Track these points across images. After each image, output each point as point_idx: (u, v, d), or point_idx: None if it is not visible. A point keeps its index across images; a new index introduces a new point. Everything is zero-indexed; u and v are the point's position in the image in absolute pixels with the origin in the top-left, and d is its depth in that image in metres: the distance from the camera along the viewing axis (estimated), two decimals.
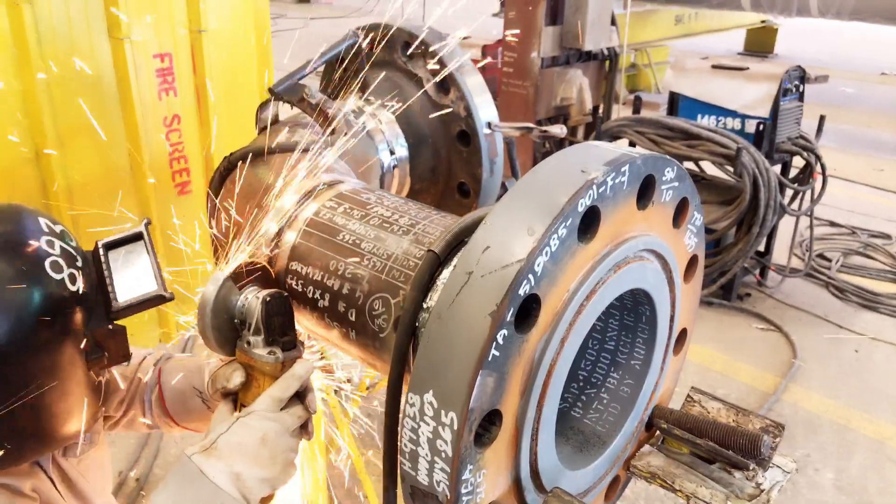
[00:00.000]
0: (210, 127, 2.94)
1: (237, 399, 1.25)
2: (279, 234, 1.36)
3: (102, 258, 1.22)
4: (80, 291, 1.16)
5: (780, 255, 5.43)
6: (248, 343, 1.20)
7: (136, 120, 2.71)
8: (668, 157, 1.06)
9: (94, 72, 2.58)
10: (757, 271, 5.36)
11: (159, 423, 1.62)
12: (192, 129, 2.94)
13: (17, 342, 1.07)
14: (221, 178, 1.58)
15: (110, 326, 1.19)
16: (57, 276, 1.12)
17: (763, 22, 12.06)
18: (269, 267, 1.30)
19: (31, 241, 1.13)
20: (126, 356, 1.25)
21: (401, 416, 0.92)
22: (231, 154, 1.56)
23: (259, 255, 1.32)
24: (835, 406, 4.02)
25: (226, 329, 1.20)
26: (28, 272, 1.09)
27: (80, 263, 1.18)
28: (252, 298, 1.19)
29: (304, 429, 1.24)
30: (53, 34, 2.44)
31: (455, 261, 1.10)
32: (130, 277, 1.22)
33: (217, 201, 1.57)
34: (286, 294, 1.21)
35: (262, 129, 1.76)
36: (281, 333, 1.20)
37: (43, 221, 1.18)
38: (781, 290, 5.29)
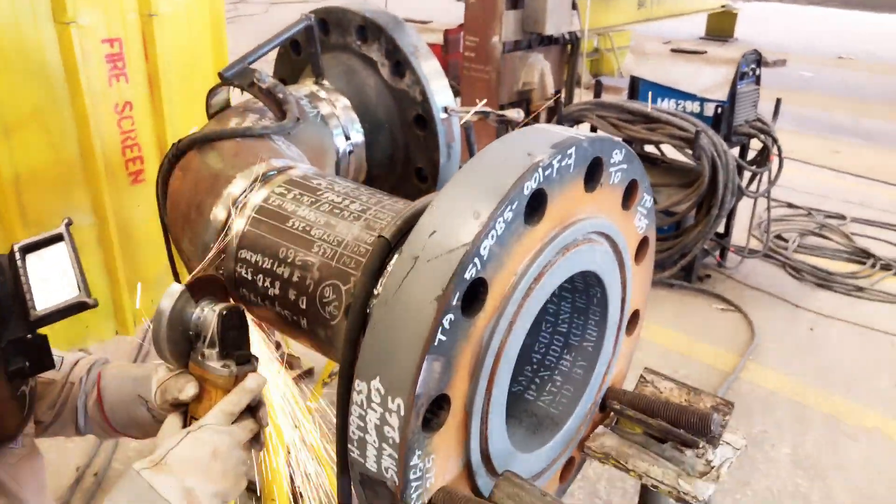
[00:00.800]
0: (164, 114, 2.87)
1: (187, 412, 1.24)
2: (228, 221, 1.33)
3: (19, 262, 1.15)
4: None
5: (738, 236, 5.52)
6: (203, 356, 1.19)
7: (85, 107, 2.62)
8: (615, 139, 1.06)
9: (40, 58, 2.49)
10: (717, 253, 5.45)
11: (95, 428, 1.56)
12: (144, 116, 2.86)
13: None
14: (171, 164, 1.54)
15: (29, 336, 1.13)
16: None
17: (723, 7, 12.22)
18: (220, 277, 1.29)
19: None
20: (48, 365, 1.19)
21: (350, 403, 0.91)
22: (180, 140, 1.53)
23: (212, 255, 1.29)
24: (791, 383, 4.12)
25: (181, 341, 1.19)
26: None
27: None
28: (208, 311, 1.18)
29: (256, 440, 1.23)
30: None
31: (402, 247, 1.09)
32: (50, 283, 1.15)
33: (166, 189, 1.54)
34: (242, 308, 1.20)
35: (213, 115, 1.72)
36: (235, 347, 1.20)
37: None
38: (740, 271, 5.38)
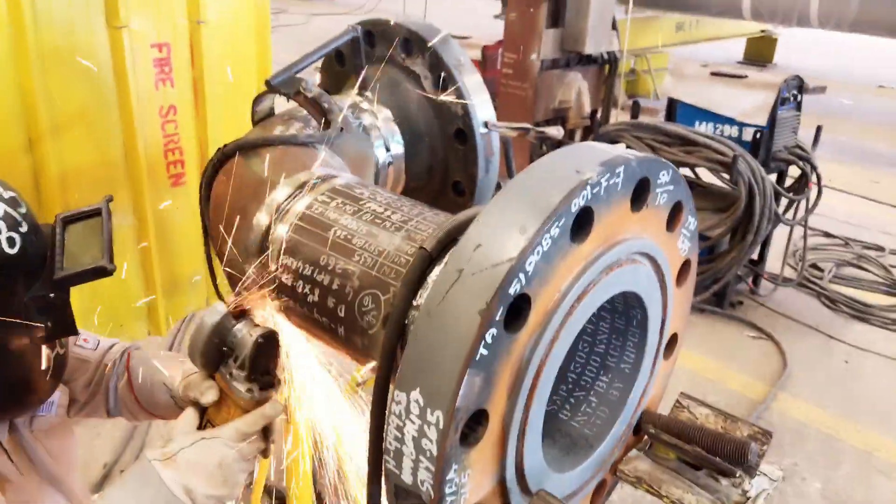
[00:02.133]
0: (206, 119, 2.92)
1: (205, 411, 1.29)
2: (270, 227, 1.35)
3: (57, 230, 1.26)
4: (21, 256, 1.18)
5: (773, 263, 5.44)
6: (231, 374, 1.25)
7: (131, 110, 2.68)
8: (663, 159, 1.05)
9: (91, 60, 2.56)
10: (750, 279, 5.37)
11: (123, 410, 1.65)
12: (187, 120, 2.92)
13: None
14: (215, 169, 1.56)
15: (51, 295, 1.21)
16: None
17: (763, 32, 12.12)
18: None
19: None
20: (71, 329, 1.28)
21: (387, 413, 0.91)
22: (225, 145, 1.55)
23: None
24: (823, 415, 4.03)
25: (213, 354, 1.25)
26: None
27: (23, 229, 1.21)
28: (246, 334, 1.23)
29: (263, 453, 1.30)
30: (50, 21, 2.42)
31: (446, 258, 1.09)
32: (81, 250, 1.24)
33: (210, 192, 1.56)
34: (277, 334, 1.25)
35: (258, 122, 1.75)
36: (263, 372, 1.25)
37: None
38: (773, 299, 5.30)
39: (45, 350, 1.28)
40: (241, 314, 1.25)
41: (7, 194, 1.22)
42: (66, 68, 2.51)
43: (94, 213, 1.30)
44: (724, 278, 4.83)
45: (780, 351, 4.65)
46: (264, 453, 1.29)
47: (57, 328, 1.26)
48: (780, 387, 4.25)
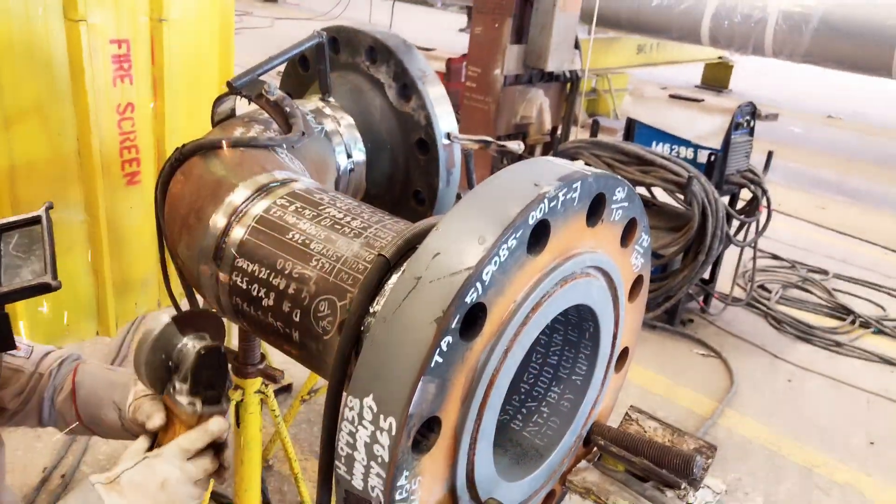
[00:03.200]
0: (165, 118, 2.87)
1: (156, 438, 1.27)
2: (227, 229, 1.33)
3: None
4: None
5: (723, 283, 5.57)
6: (174, 388, 1.22)
7: (87, 105, 2.62)
8: (619, 177, 1.08)
9: (47, 53, 2.50)
10: (701, 298, 5.49)
11: (59, 422, 1.57)
12: (145, 118, 2.86)
13: None
14: (172, 168, 1.54)
15: None
16: None
17: (720, 58, 12.48)
18: (217, 315, 1.32)
19: None
20: (9, 344, 1.20)
21: (339, 419, 0.91)
22: (184, 145, 1.53)
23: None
24: (767, 432, 4.13)
25: (159, 368, 1.22)
26: None
27: None
28: (190, 346, 1.22)
29: (218, 475, 1.27)
30: (6, 10, 2.35)
31: (404, 266, 1.10)
32: (20, 263, 1.17)
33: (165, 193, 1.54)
34: (223, 350, 1.24)
35: (218, 123, 1.73)
36: (207, 386, 1.23)
37: None
38: (723, 318, 5.42)
39: None
40: (188, 325, 1.23)
41: None
42: (19, 60, 2.45)
43: (34, 222, 1.22)
44: (676, 296, 4.94)
45: (728, 369, 4.76)
46: (218, 476, 1.26)
47: None
48: (726, 403, 4.35)
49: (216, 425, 1.22)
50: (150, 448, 1.24)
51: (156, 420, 1.24)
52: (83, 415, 1.52)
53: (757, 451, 3.95)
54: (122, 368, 1.55)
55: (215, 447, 1.24)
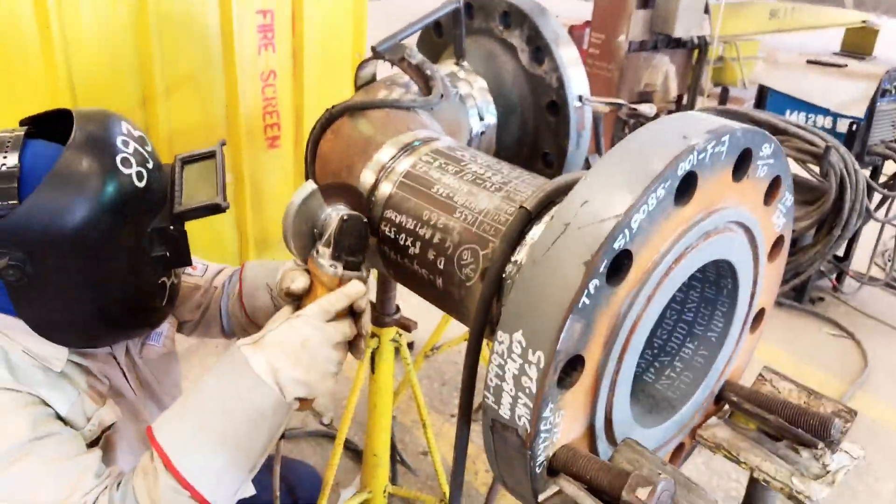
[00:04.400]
0: (303, 85, 3.04)
1: (300, 305, 1.32)
2: (376, 184, 1.43)
3: (177, 168, 1.35)
4: (147, 189, 1.27)
5: (859, 262, 5.24)
6: (317, 252, 1.28)
7: (235, 73, 2.83)
8: (767, 133, 1.08)
9: (202, 24, 2.70)
10: (833, 276, 5.20)
11: (236, 327, 1.73)
12: (286, 85, 3.05)
13: (87, 226, 1.18)
14: (322, 128, 1.65)
15: (171, 228, 1.30)
16: (126, 171, 1.23)
17: (864, 22, 11.52)
18: (357, 189, 1.38)
19: (109, 140, 1.24)
20: (186, 260, 1.36)
21: (490, 354, 0.98)
22: (333, 106, 1.64)
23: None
24: None
25: (305, 236, 1.28)
26: (101, 164, 1.20)
27: (150, 166, 1.30)
28: (333, 213, 1.27)
29: (355, 347, 1.31)
30: None
31: (546, 217, 1.15)
32: (198, 188, 1.32)
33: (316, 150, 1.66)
34: (365, 220, 1.28)
35: (360, 87, 1.83)
36: (349, 253, 1.27)
37: (125, 125, 1.30)
38: (857, 298, 5.11)
39: (163, 279, 1.38)
40: (331, 196, 1.28)
41: (137, 133, 1.32)
42: (179, 31, 2.66)
43: (209, 156, 1.39)
44: (807, 272, 4.70)
45: (862, 350, 4.51)
46: (355, 345, 1.31)
47: (174, 258, 1.34)
48: (858, 386, 4.14)
49: (354, 287, 1.26)
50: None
51: (299, 283, 1.28)
52: (247, 307, 1.68)
53: (890, 436, 3.74)
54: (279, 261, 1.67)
55: (354, 315, 1.29)
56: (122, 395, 1.49)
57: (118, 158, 1.23)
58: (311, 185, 1.26)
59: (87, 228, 1.18)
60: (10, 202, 1.14)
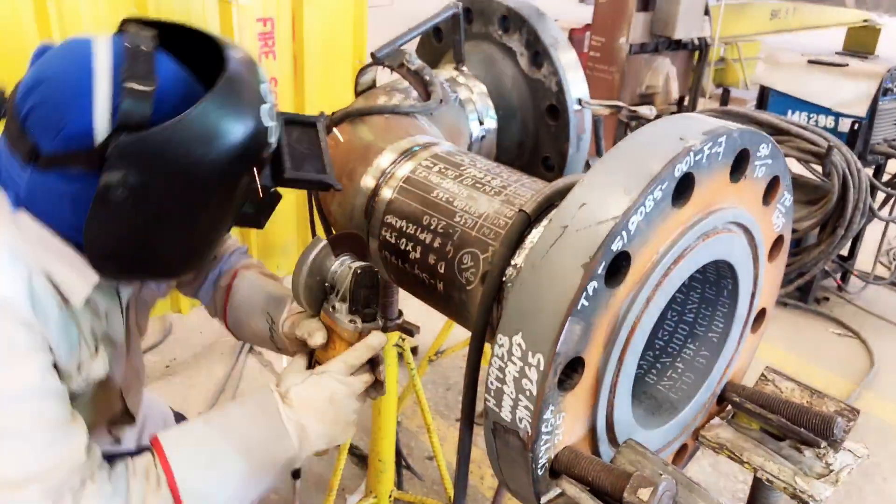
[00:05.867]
0: (304, 92, 3.05)
1: (312, 354, 1.34)
2: (377, 189, 1.44)
3: (283, 130, 1.24)
4: (271, 145, 1.18)
5: (864, 261, 5.23)
6: (334, 308, 1.29)
7: None
8: (763, 133, 1.08)
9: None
10: (838, 275, 5.18)
11: (207, 301, 1.66)
12: (287, 92, 3.05)
13: (220, 164, 1.08)
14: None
15: (272, 190, 1.24)
16: (266, 124, 1.14)
17: (865, 21, 11.51)
18: (362, 236, 1.38)
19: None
20: (262, 223, 1.31)
21: (490, 356, 0.98)
22: (334, 113, 1.65)
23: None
24: None
25: (316, 290, 1.30)
26: (252, 109, 1.12)
27: (278, 122, 1.20)
28: (345, 267, 1.28)
29: (375, 390, 1.33)
30: None
31: (545, 220, 1.15)
32: (303, 156, 1.25)
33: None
34: (376, 269, 1.29)
35: (360, 93, 1.84)
36: (365, 304, 1.29)
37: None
38: (862, 297, 5.10)
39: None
40: (338, 247, 1.28)
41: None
42: None
43: (312, 124, 1.31)
44: (811, 272, 4.69)
45: (868, 350, 4.50)
46: (375, 390, 1.32)
47: (253, 218, 1.28)
48: (865, 386, 4.12)
49: (376, 339, 1.28)
50: (309, 364, 1.32)
51: (318, 338, 1.28)
52: (230, 317, 1.61)
53: None
54: (276, 282, 1.61)
55: (371, 362, 1.30)
56: (112, 340, 1.38)
57: (264, 108, 1.13)
58: (320, 242, 1.27)
59: (219, 167, 1.08)
60: (146, 117, 1.03)
